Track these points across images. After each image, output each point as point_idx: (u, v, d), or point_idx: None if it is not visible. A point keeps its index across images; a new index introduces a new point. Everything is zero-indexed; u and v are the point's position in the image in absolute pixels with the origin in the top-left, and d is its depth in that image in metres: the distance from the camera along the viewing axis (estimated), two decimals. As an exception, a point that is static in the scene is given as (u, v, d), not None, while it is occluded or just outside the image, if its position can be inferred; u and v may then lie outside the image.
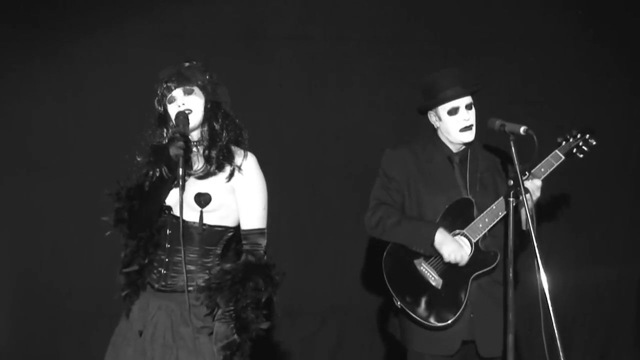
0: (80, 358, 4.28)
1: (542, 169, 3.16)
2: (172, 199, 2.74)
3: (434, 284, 3.11)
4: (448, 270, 3.11)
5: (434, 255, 3.12)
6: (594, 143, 3.26)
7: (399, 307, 3.11)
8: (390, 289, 3.12)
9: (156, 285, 2.74)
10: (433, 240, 3.07)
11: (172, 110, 2.73)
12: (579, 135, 3.26)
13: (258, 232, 2.75)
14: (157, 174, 2.67)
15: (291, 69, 4.48)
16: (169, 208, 2.74)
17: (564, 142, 3.25)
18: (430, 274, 3.12)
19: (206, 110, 2.74)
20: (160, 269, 2.74)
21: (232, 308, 2.58)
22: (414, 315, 3.08)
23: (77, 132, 4.31)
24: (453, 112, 3.16)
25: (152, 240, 2.75)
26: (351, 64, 4.51)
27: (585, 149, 3.26)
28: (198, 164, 2.74)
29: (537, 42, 4.59)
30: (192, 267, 2.69)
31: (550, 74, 4.58)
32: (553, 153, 3.20)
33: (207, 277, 2.68)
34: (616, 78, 4.62)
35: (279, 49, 4.46)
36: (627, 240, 4.60)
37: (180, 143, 2.61)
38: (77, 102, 4.33)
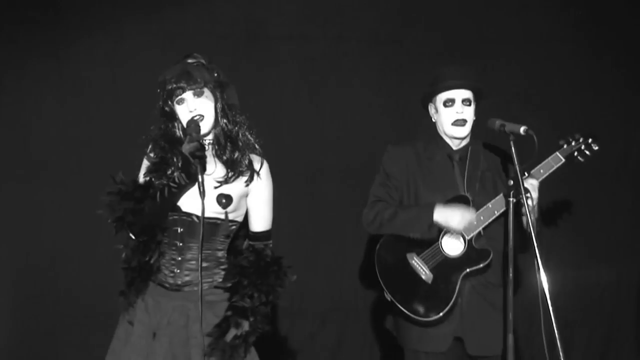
0: (80, 358, 4.28)
1: (541, 170, 3.14)
2: (184, 197, 2.68)
3: (424, 278, 3.12)
4: (439, 265, 3.12)
5: (428, 244, 3.13)
6: (596, 148, 3.22)
7: (390, 300, 3.14)
8: (382, 283, 3.15)
9: (168, 285, 2.69)
10: (432, 221, 3.07)
11: (182, 111, 2.66)
12: (581, 139, 3.22)
13: (268, 232, 2.82)
14: (175, 181, 2.60)
15: (291, 69, 4.48)
16: (178, 207, 2.68)
17: (565, 145, 3.22)
18: (422, 268, 3.13)
19: (217, 112, 2.70)
20: (173, 267, 2.69)
21: (253, 292, 2.63)
22: (403, 309, 3.10)
23: (78, 132, 4.31)
24: (449, 103, 3.18)
25: (155, 239, 2.69)
26: (351, 64, 4.51)
27: (587, 153, 3.22)
28: (215, 165, 2.71)
29: (537, 43, 4.58)
30: (207, 264, 2.68)
31: (550, 74, 4.58)
32: (553, 155, 3.18)
33: (222, 272, 2.70)
34: (616, 78, 4.61)
35: (279, 49, 4.46)
36: (627, 240, 4.60)
37: (199, 153, 2.56)
38: (77, 102, 4.33)
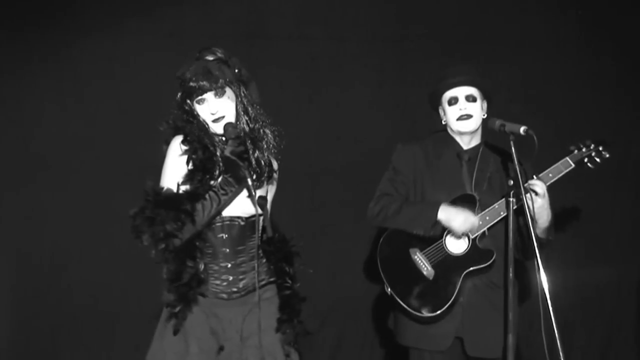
0: (80, 358, 4.28)
1: (550, 174, 3.12)
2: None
3: (425, 274, 3.12)
4: (441, 262, 3.13)
5: (432, 241, 3.12)
6: (607, 155, 3.18)
7: (389, 294, 3.14)
8: (383, 276, 3.16)
9: (226, 295, 2.60)
10: (436, 219, 3.08)
11: (202, 111, 2.58)
12: (592, 146, 3.19)
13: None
14: (223, 188, 2.50)
15: (291, 69, 4.48)
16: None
17: (575, 150, 3.19)
18: (424, 264, 3.13)
19: (238, 111, 2.63)
20: (224, 275, 2.59)
21: (291, 272, 2.74)
22: (402, 304, 3.10)
23: (78, 132, 4.31)
24: (453, 101, 3.20)
25: (197, 248, 2.56)
26: (351, 64, 4.51)
27: (597, 160, 3.17)
28: None
29: (537, 43, 4.59)
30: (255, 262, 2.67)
31: (550, 74, 4.58)
32: (563, 160, 3.15)
33: (263, 264, 2.70)
34: (616, 79, 4.61)
35: (279, 49, 4.46)
36: (627, 240, 4.60)
37: (246, 156, 2.52)
38: (77, 102, 4.33)
